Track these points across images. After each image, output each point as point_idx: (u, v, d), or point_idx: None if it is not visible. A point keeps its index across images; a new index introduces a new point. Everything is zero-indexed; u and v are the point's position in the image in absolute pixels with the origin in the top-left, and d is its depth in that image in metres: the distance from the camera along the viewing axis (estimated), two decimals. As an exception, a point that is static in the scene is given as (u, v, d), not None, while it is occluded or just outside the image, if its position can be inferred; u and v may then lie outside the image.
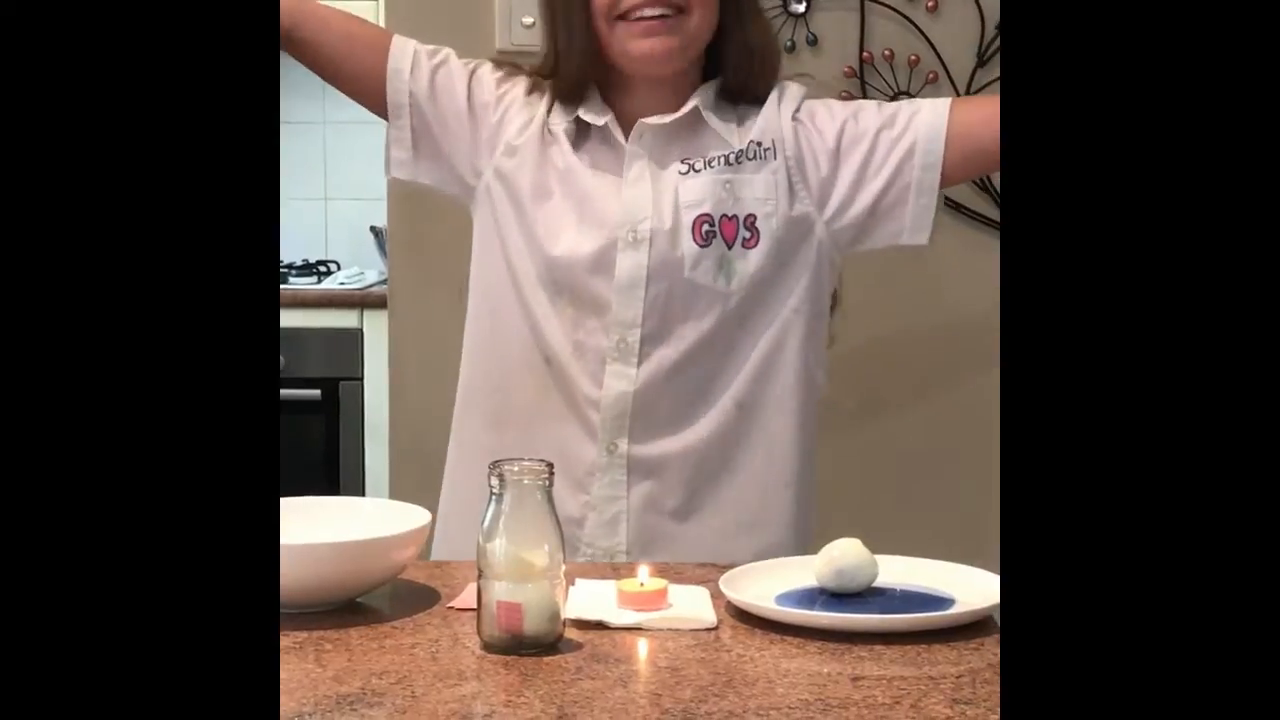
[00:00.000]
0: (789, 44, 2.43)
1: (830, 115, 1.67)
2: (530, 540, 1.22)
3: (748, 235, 1.62)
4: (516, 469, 1.22)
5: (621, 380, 1.62)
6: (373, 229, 4.05)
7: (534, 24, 2.31)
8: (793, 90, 1.68)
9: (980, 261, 2.48)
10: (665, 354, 1.62)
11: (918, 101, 1.68)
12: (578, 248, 1.62)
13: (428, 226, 2.36)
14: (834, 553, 1.33)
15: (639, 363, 1.62)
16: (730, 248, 1.62)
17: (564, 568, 1.23)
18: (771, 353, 1.64)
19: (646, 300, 1.61)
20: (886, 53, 2.44)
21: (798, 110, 1.66)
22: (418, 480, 2.53)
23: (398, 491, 2.55)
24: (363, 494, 3.65)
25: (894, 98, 2.44)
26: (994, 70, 2.43)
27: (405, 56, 1.71)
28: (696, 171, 1.63)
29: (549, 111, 1.66)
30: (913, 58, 2.43)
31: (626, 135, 1.65)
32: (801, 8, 2.43)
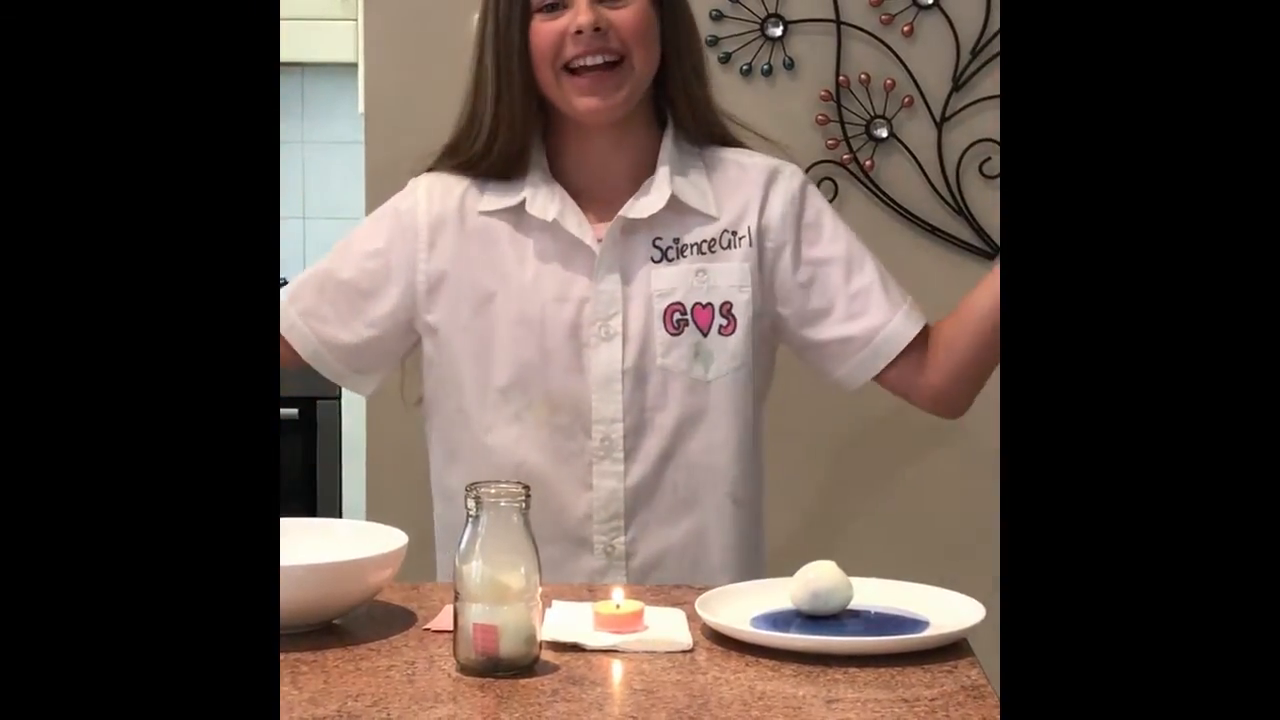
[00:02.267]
0: (766, 68, 2.44)
1: (828, 243, 1.62)
2: (507, 563, 1.22)
3: (724, 323, 1.59)
4: (493, 491, 1.23)
5: (611, 478, 1.58)
6: (351, 248, 4.04)
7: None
8: (786, 179, 1.63)
9: (958, 284, 2.50)
10: (650, 446, 1.58)
11: (891, 304, 1.62)
12: (548, 351, 1.58)
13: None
14: (809, 575, 1.33)
15: (625, 458, 1.58)
16: (705, 335, 1.58)
17: (540, 590, 1.23)
18: (757, 433, 1.64)
19: (625, 394, 1.57)
20: (863, 76, 2.45)
21: (800, 209, 1.62)
22: (394, 500, 2.53)
23: (374, 512, 2.55)
24: (340, 514, 3.64)
25: (870, 121, 2.46)
26: (969, 94, 2.46)
27: (309, 341, 1.65)
28: (670, 261, 1.59)
29: (479, 196, 1.60)
30: (889, 81, 2.45)
31: (577, 198, 1.58)
32: (778, 32, 2.45)
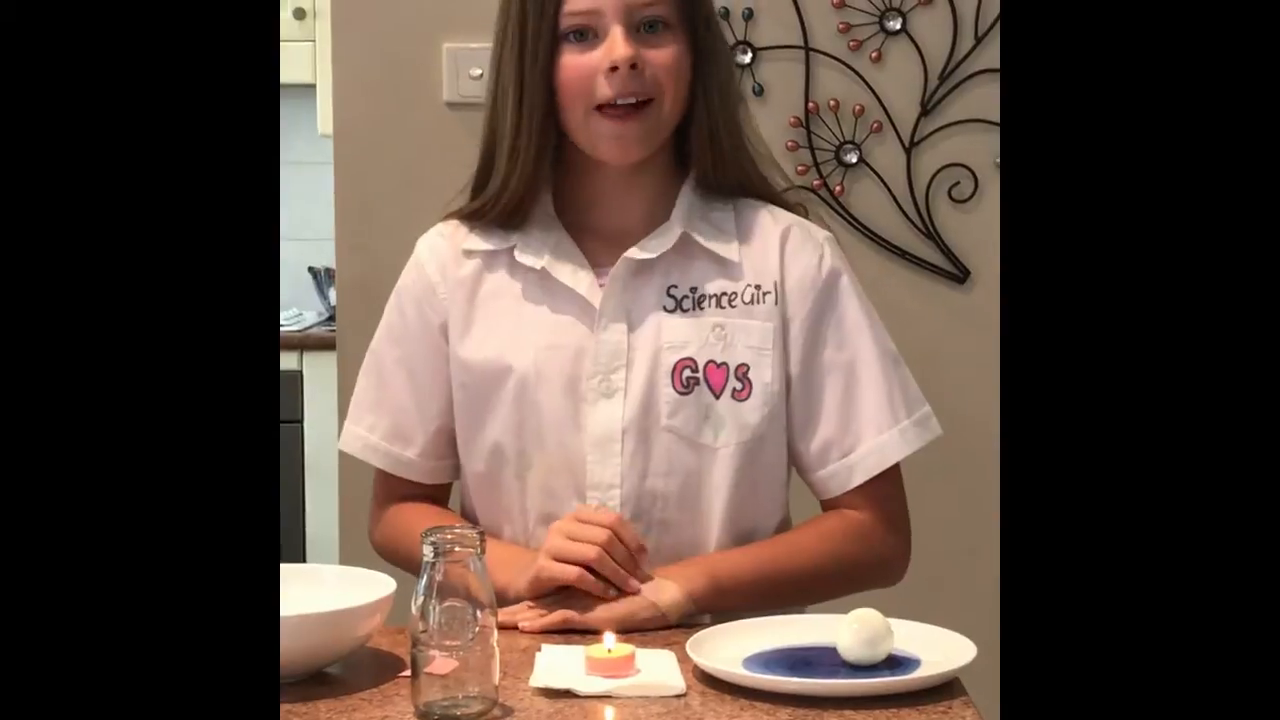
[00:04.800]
0: (736, 94, 2.45)
1: (838, 349, 1.49)
2: (464, 608, 1.20)
3: (739, 386, 1.45)
4: (450, 536, 1.22)
5: None
6: (311, 269, 4.02)
7: (481, 75, 2.31)
8: (813, 246, 1.50)
9: (928, 307, 2.51)
10: (651, 514, 1.46)
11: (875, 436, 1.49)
12: (541, 407, 1.46)
13: (376, 267, 2.35)
14: (857, 624, 1.29)
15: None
16: (718, 397, 1.45)
17: (496, 635, 1.22)
18: (767, 506, 1.52)
19: (624, 457, 1.45)
20: (832, 102, 2.46)
21: (824, 302, 1.48)
22: (368, 526, 2.51)
23: (348, 537, 2.53)
24: (304, 546, 3.61)
25: (840, 147, 2.47)
26: (938, 119, 2.47)
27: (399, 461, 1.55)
28: (685, 311, 1.46)
29: (472, 243, 1.50)
30: (857, 107, 2.46)
31: (584, 240, 1.48)
32: (747, 58, 2.45)
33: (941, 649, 1.33)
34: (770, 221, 1.51)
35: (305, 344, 3.72)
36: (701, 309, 1.46)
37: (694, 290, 1.47)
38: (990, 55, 2.45)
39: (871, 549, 1.52)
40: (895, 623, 1.38)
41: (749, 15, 2.45)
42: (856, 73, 2.46)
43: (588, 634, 1.40)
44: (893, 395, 1.49)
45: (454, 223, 1.53)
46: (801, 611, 1.49)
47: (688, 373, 1.45)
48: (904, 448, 1.50)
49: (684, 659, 1.32)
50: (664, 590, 1.41)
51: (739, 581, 1.45)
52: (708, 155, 1.47)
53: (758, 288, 1.47)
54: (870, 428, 1.49)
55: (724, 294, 1.47)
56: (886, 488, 1.51)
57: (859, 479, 1.49)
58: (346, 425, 1.58)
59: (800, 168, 2.46)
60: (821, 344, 1.49)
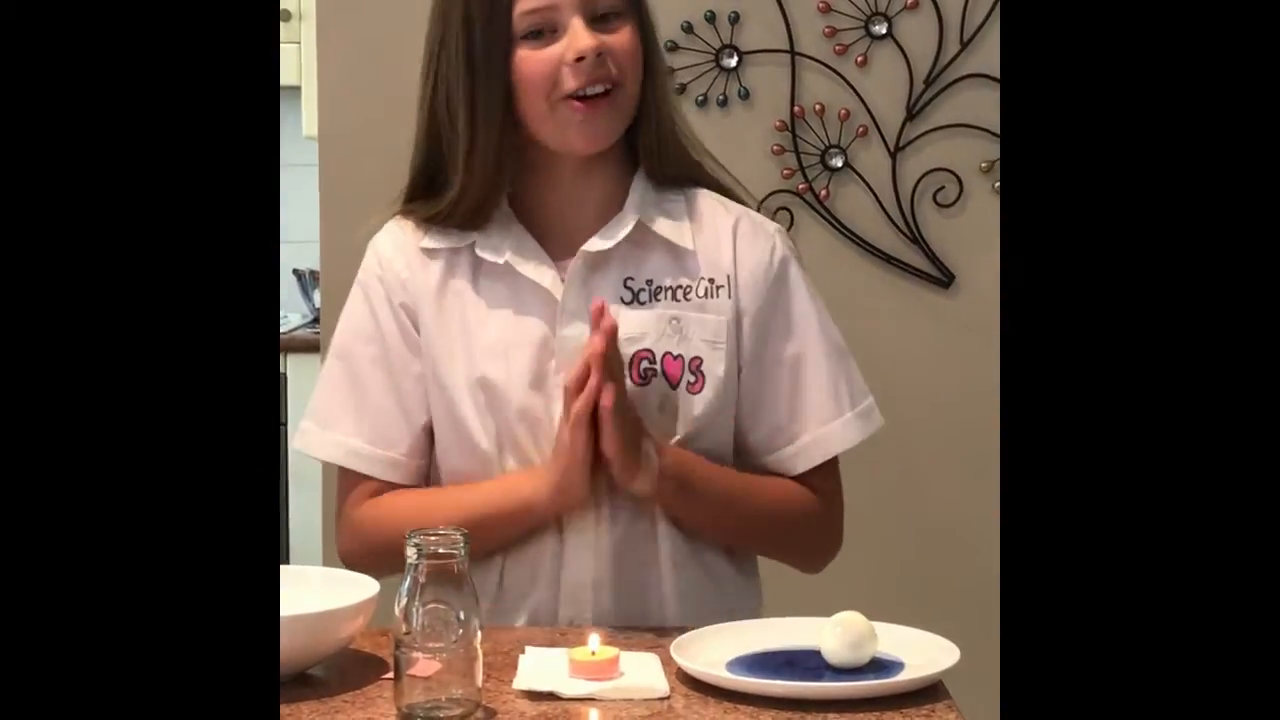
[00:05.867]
0: (721, 99, 2.45)
1: (787, 341, 1.50)
2: (447, 610, 1.20)
3: (693, 379, 1.47)
4: (434, 538, 1.21)
5: (585, 549, 1.46)
6: (295, 272, 4.01)
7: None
8: (764, 239, 1.51)
9: (912, 311, 2.51)
10: (620, 511, 1.46)
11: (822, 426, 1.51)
12: (511, 406, 1.46)
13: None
14: (841, 627, 1.29)
15: (596, 521, 1.46)
16: (675, 388, 1.46)
17: (480, 637, 1.22)
18: None
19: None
20: (817, 107, 2.46)
21: (774, 293, 1.50)
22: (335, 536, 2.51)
23: (331, 539, 2.52)
24: (286, 540, 3.60)
25: (825, 151, 2.47)
26: (923, 123, 2.47)
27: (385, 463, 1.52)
28: (641, 304, 1.47)
29: (431, 241, 1.49)
30: (843, 111, 2.46)
31: (542, 236, 1.48)
32: (733, 62, 2.46)
33: (925, 652, 1.33)
34: (722, 212, 1.52)
35: (290, 346, 3.71)
36: (657, 300, 1.48)
37: (650, 283, 1.48)
38: (976, 60, 2.46)
39: (820, 524, 1.55)
40: (879, 626, 1.38)
41: (735, 19, 2.45)
42: (842, 77, 2.46)
43: (569, 636, 1.40)
44: (838, 387, 1.51)
45: (408, 222, 1.52)
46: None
47: (645, 363, 1.46)
48: (846, 439, 1.52)
49: (668, 661, 1.32)
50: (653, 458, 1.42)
51: (706, 487, 1.46)
52: (656, 142, 1.49)
53: (711, 281, 1.49)
54: (814, 419, 1.51)
55: (679, 286, 1.48)
56: (827, 477, 1.54)
57: (802, 467, 1.52)
58: (319, 432, 1.54)
59: (785, 171, 2.47)
60: (772, 336, 1.50)
